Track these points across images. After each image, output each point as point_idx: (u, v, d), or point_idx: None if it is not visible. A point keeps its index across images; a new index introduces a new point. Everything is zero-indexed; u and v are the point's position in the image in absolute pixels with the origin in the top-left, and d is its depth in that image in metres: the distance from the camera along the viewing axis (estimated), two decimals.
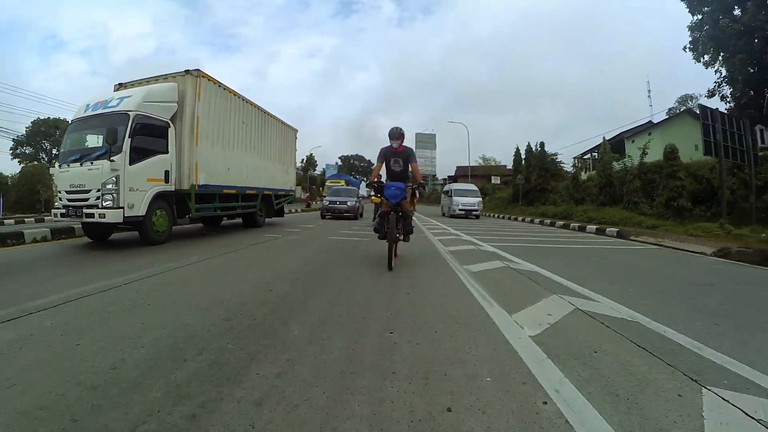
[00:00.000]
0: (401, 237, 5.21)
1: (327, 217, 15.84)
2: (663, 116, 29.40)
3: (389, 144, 5.19)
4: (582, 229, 12.34)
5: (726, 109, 19.38)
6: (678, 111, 27.13)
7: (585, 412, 1.62)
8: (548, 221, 15.81)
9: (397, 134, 5.15)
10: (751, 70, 18.43)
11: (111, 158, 6.25)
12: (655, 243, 8.72)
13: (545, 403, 1.69)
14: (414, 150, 5.51)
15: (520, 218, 19.05)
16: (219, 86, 8.45)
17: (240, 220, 11.06)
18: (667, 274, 5.28)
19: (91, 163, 6.45)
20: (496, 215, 22.91)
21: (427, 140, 54.46)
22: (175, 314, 2.85)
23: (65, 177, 6.75)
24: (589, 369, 2.06)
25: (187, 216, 7.96)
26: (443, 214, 20.95)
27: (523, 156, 26.43)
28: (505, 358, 2.18)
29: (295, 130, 13.24)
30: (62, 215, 6.74)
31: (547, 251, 7.30)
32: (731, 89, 19.83)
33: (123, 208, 6.30)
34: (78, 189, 6.51)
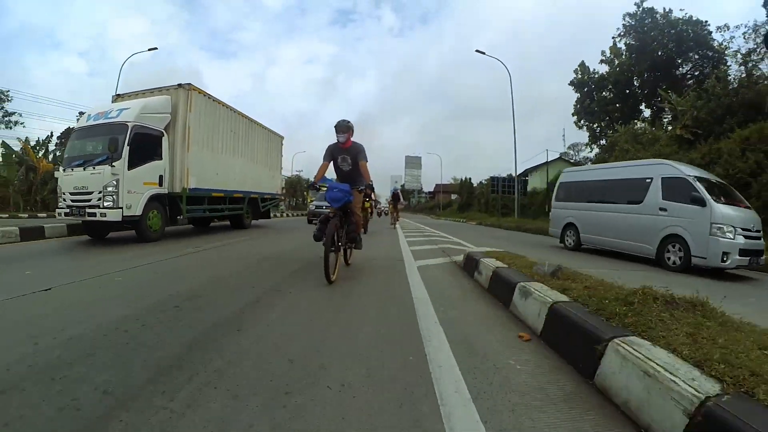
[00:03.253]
0: (342, 245, 4.59)
1: (314, 222, 15.16)
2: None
3: (336, 140, 4.60)
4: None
5: (595, 154, 31.84)
6: (557, 157, 39.16)
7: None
8: (462, 219, 31.38)
9: (344, 127, 4.52)
10: (607, 133, 29.89)
11: (112, 164, 7.09)
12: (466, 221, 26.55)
13: None
14: (364, 148, 4.74)
15: (461, 220, 31.42)
16: (208, 98, 9.34)
17: (228, 222, 11.93)
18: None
19: (94, 168, 7.28)
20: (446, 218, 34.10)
21: (414, 161, 68.41)
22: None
23: (69, 180, 7.55)
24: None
25: (179, 217, 8.81)
26: (565, 245, 9.56)
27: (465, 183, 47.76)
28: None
29: (281, 137, 14.15)
30: (66, 214, 7.53)
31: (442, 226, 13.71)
32: (597, 143, 32.38)
33: (122, 208, 7.13)
34: (81, 191, 7.32)
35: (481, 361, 2.17)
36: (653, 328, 1.99)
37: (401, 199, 18.38)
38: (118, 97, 9.40)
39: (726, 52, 23.27)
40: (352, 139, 4.66)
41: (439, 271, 5.19)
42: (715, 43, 24.91)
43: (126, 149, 7.27)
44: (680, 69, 27.28)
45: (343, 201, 4.35)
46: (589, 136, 32.44)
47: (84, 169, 7.41)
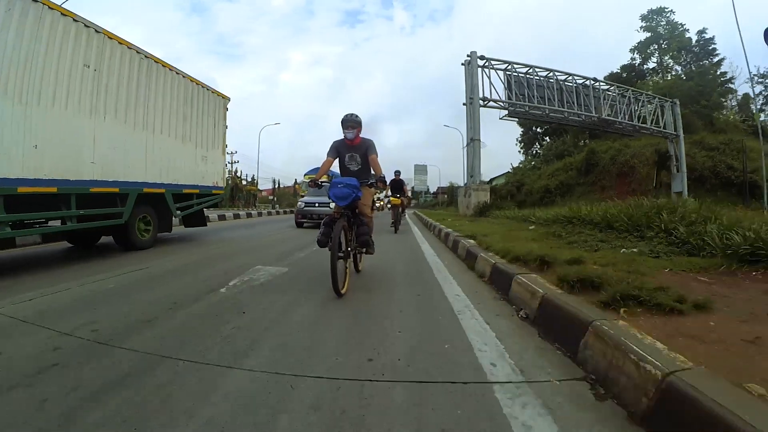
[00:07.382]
0: (353, 249, 3.93)
1: (305, 225, 11.84)
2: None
3: (342, 137, 4.05)
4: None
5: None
6: (507, 171, 50.65)
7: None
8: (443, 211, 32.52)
9: (352, 122, 3.95)
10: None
11: None
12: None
13: None
14: (374, 143, 4.17)
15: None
16: None
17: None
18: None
19: None
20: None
21: (421, 168, 75.26)
22: None
23: None
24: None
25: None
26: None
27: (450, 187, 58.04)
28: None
29: (226, 99, 8.94)
30: None
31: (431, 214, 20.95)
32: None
33: None
34: None
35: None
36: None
37: (408, 194, 12.99)
38: None
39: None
40: (360, 135, 4.09)
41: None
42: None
43: None
44: None
45: (350, 198, 3.59)
46: (525, 159, 47.98)
47: None
